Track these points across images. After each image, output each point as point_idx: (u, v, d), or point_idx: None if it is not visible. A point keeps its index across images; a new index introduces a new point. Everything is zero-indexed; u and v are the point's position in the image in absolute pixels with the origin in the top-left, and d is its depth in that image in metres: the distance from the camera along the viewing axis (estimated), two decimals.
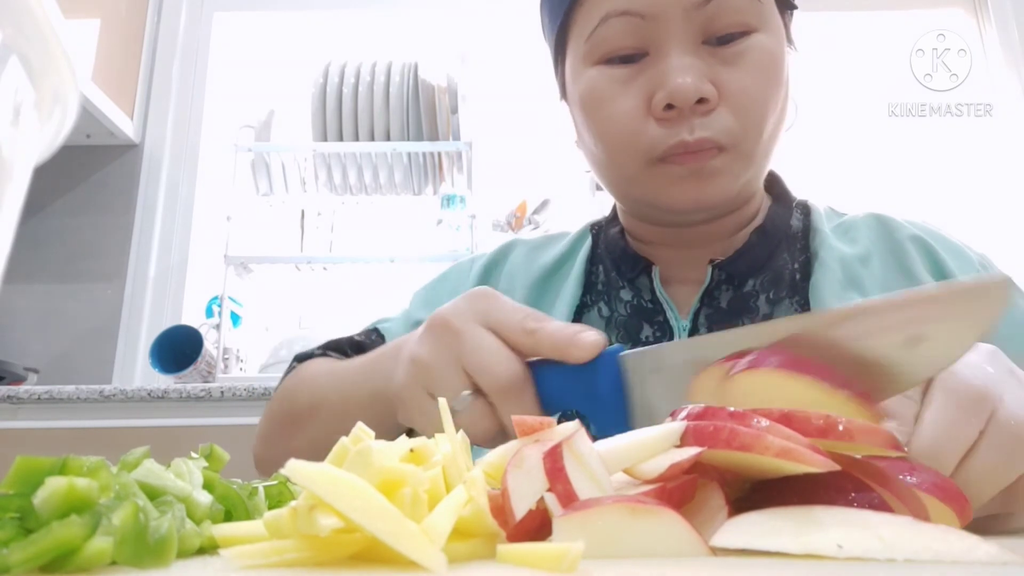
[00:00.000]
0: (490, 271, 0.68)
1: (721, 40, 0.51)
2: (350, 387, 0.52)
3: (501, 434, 0.38)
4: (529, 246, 0.69)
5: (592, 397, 0.38)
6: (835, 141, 1.90)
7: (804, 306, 0.55)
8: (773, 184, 0.64)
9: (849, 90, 1.94)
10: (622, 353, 0.37)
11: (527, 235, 0.73)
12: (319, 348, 0.65)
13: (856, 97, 1.93)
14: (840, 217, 0.64)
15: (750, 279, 0.57)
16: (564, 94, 0.62)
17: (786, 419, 0.23)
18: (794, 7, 0.58)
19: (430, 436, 0.25)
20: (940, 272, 0.57)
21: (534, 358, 0.39)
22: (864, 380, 0.28)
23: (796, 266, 0.58)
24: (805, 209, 0.63)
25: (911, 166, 1.95)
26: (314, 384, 0.57)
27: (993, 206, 1.89)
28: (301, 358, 0.64)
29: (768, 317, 0.55)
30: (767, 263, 0.58)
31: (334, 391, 0.53)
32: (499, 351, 0.38)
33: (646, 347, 0.37)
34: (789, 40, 0.57)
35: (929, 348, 0.29)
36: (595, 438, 0.37)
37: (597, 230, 0.68)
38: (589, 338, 0.37)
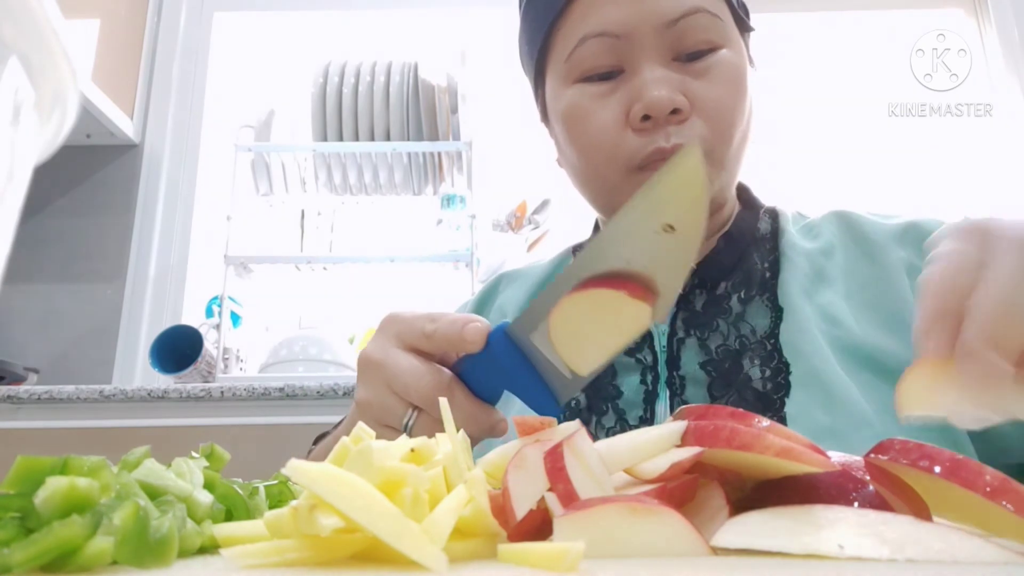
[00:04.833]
0: (480, 309, 0.72)
1: (690, 57, 0.55)
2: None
3: None
4: (511, 276, 0.74)
5: (505, 375, 0.41)
6: (835, 141, 1.90)
7: (774, 302, 0.57)
8: (742, 193, 0.68)
9: (849, 90, 1.94)
10: (507, 328, 0.40)
11: (510, 267, 0.78)
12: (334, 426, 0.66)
13: (856, 97, 1.93)
14: (805, 219, 0.67)
15: (722, 282, 0.60)
16: (545, 115, 0.66)
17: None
18: (751, 30, 0.62)
19: None
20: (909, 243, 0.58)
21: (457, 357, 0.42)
22: None
23: (766, 266, 0.60)
24: (773, 214, 0.66)
25: (911, 166, 1.95)
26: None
27: (993, 206, 1.89)
28: (317, 439, 0.65)
29: (740, 316, 0.58)
30: (737, 265, 0.60)
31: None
32: (416, 367, 0.41)
33: (523, 312, 0.40)
34: (749, 59, 0.61)
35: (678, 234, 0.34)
36: (536, 410, 0.41)
37: (576, 249, 0.73)
38: (473, 328, 0.40)
